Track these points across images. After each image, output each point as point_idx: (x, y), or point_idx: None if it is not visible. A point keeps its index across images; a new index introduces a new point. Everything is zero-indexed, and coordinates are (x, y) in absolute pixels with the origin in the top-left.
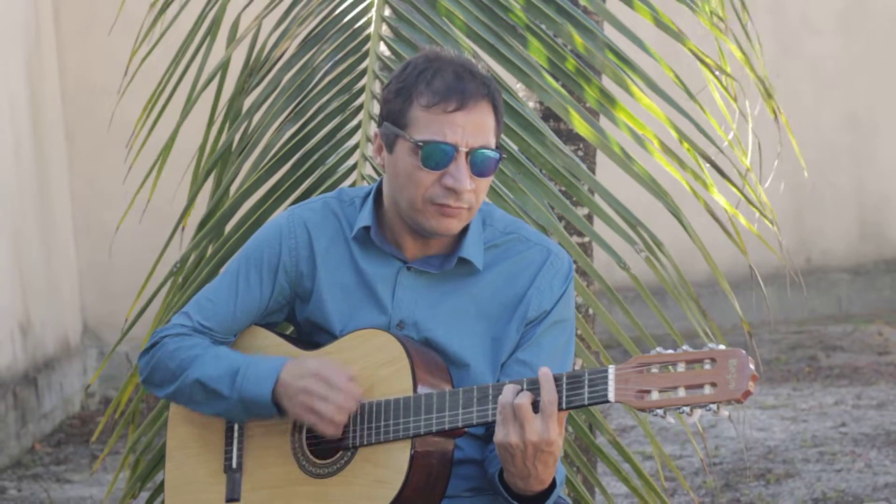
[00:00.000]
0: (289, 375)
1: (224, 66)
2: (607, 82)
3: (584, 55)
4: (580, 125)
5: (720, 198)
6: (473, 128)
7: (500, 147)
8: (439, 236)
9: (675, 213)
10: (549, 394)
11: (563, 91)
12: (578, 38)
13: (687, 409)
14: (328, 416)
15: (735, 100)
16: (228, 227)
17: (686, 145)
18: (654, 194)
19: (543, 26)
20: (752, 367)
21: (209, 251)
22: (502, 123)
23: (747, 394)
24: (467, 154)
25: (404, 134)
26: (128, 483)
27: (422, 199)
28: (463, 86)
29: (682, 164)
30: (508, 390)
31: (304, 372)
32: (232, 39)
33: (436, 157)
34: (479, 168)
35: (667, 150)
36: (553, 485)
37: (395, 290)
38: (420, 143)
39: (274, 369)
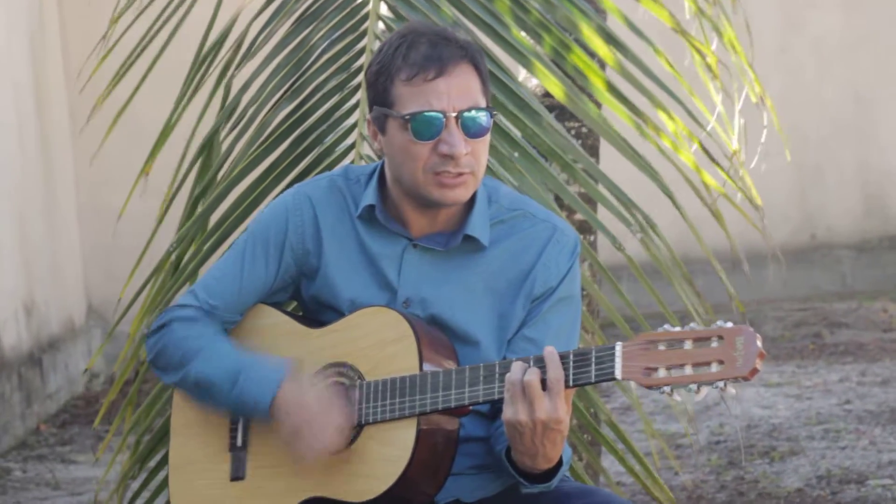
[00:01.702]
0: (288, 395)
1: (217, 46)
2: (610, 74)
3: (569, 28)
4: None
5: (708, 178)
6: (458, 91)
7: (490, 107)
8: (447, 206)
9: (667, 193)
10: (555, 371)
11: (557, 68)
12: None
13: (694, 386)
14: (315, 449)
15: (719, 80)
16: (226, 206)
17: (670, 124)
18: (647, 174)
19: (538, 5)
20: (759, 344)
21: (207, 230)
22: (489, 86)
23: (755, 371)
24: (457, 118)
25: (392, 112)
26: (126, 464)
27: (422, 172)
28: (439, 52)
29: (673, 144)
30: (517, 367)
31: (302, 401)
32: (214, 16)
33: (425, 127)
34: (471, 130)
35: (657, 130)
36: (560, 463)
37: (401, 268)
38: (407, 117)
39: (275, 380)
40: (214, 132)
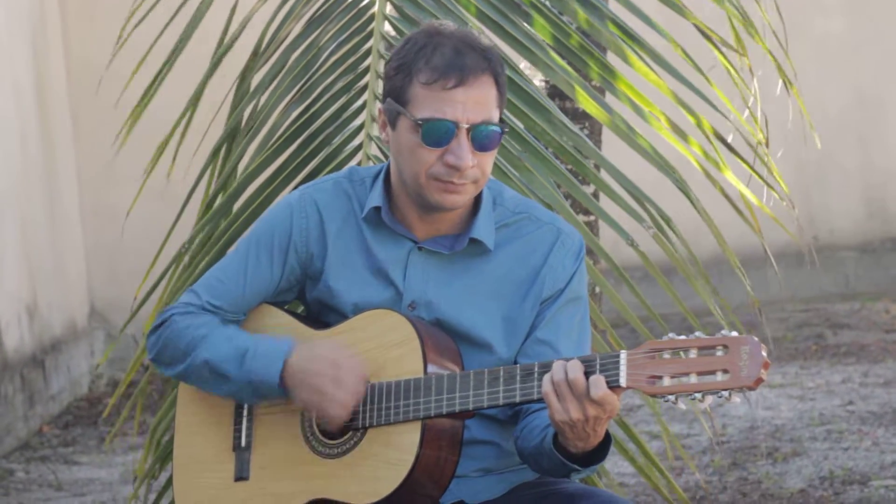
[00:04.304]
0: (298, 358)
1: (227, 48)
2: (614, 60)
3: (588, 31)
4: (586, 102)
5: (731, 177)
6: (474, 103)
7: (502, 121)
8: (444, 210)
9: (683, 189)
10: (573, 372)
11: (570, 68)
12: (582, 14)
13: (698, 395)
14: (338, 400)
15: (740, 75)
16: (235, 208)
17: (695, 120)
18: (661, 170)
19: (548, 3)
20: (764, 354)
21: (217, 231)
22: (505, 95)
23: (759, 381)
24: (468, 130)
25: (405, 111)
26: (149, 463)
27: (424, 176)
28: (462, 61)
29: (691, 141)
30: (558, 367)
31: (313, 355)
32: (230, 20)
33: (436, 134)
34: (481, 143)
35: (675, 129)
36: (608, 437)
37: (406, 271)
38: (420, 122)
39: (282, 351)
40: (231, 133)
